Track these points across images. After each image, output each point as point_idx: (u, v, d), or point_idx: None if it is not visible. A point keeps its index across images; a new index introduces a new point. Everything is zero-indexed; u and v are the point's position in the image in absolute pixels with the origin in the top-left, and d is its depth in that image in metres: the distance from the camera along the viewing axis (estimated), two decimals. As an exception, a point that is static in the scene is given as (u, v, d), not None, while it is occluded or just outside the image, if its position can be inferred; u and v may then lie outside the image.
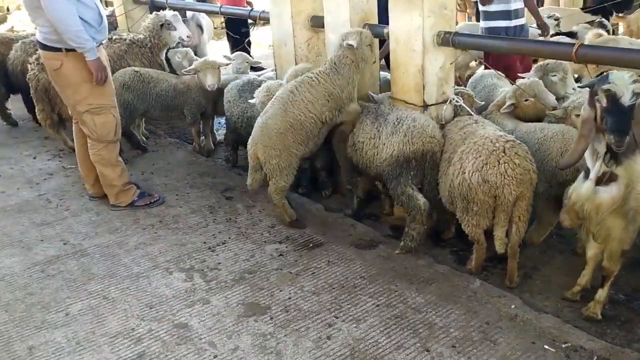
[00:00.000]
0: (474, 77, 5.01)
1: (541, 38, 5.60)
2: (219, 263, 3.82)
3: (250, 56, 6.68)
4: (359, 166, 4.08)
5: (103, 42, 4.36)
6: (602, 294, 3.08)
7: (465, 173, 3.29)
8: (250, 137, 4.10)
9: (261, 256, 3.89)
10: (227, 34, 8.72)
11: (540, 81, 4.01)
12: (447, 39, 3.74)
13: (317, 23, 4.80)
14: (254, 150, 4.05)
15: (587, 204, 2.94)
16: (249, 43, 8.16)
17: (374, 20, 4.42)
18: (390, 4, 3.88)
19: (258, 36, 7.55)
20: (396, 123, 3.74)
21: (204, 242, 4.09)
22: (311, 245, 4.01)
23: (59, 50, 4.05)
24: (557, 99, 4.10)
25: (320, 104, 3.93)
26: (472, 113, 3.89)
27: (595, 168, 2.93)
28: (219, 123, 6.81)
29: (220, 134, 6.54)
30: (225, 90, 5.19)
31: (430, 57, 3.83)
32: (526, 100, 3.94)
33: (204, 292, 3.51)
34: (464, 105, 3.95)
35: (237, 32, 7.89)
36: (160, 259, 3.90)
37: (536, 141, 3.61)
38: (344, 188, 4.53)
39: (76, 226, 4.39)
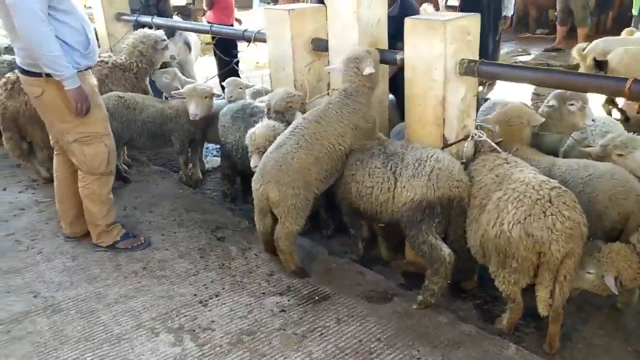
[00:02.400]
0: (485, 106, 4.62)
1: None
2: (213, 321, 3.34)
3: (239, 77, 6.24)
4: (367, 213, 3.63)
5: (91, 67, 3.90)
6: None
7: (504, 224, 2.86)
8: (257, 174, 3.63)
9: (260, 312, 3.41)
10: (215, 52, 8.22)
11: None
12: (471, 68, 3.34)
13: (319, 46, 4.38)
14: (263, 190, 3.57)
15: None
16: (237, 63, 7.65)
17: (384, 44, 4.02)
18: (406, 29, 3.47)
19: (242, 53, 7.09)
20: (417, 164, 3.32)
21: (195, 295, 3.60)
22: (316, 298, 3.54)
23: (39, 75, 3.57)
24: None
25: (350, 136, 3.59)
26: (499, 150, 3.47)
27: None
28: (207, 149, 6.36)
29: (209, 160, 6.10)
30: (220, 114, 4.74)
31: (452, 88, 3.42)
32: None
33: (195, 359, 3.02)
34: (488, 140, 3.54)
35: (227, 53, 7.28)
36: (144, 315, 3.40)
37: (580, 181, 3.22)
38: (348, 232, 4.06)
39: (49, 274, 3.87)
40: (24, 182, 5.42)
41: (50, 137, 4.16)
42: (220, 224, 4.53)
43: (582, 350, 3.06)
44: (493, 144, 3.51)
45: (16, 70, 4.91)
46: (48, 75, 3.52)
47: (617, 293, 2.91)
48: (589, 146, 3.65)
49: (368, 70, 3.51)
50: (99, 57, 5.49)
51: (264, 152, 3.78)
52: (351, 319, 3.32)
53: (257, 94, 5.44)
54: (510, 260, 2.88)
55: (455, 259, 3.29)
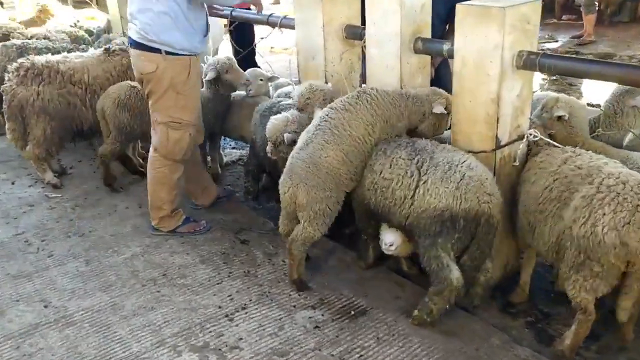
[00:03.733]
0: None
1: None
2: (240, 339, 3.04)
3: (258, 66, 5.90)
4: (378, 210, 3.27)
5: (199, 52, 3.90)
6: None
7: (597, 226, 2.55)
8: (285, 176, 3.32)
9: (292, 328, 3.11)
10: (231, 38, 7.78)
11: None
12: (531, 61, 2.97)
13: (352, 34, 4.03)
14: (292, 193, 3.26)
15: None
16: (254, 52, 7.03)
17: (427, 33, 3.65)
18: (458, 16, 3.10)
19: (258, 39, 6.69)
20: (447, 168, 2.97)
21: (219, 307, 3.30)
22: (352, 312, 3.23)
23: (157, 51, 3.65)
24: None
25: (379, 128, 3.31)
26: (560, 146, 3.12)
27: None
28: (224, 140, 6.02)
29: (227, 153, 5.78)
30: (255, 111, 4.42)
31: (508, 83, 3.06)
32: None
33: (224, 385, 2.74)
34: (543, 137, 3.19)
35: (244, 41, 6.63)
36: (165, 331, 3.11)
37: None
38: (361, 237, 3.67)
39: (60, 280, 3.58)
40: (34, 175, 5.11)
41: None
42: (243, 226, 4.23)
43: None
44: (553, 142, 3.15)
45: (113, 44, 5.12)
46: (167, 53, 3.62)
47: None
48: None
49: (438, 109, 3.38)
50: (118, 45, 5.20)
51: (274, 142, 3.64)
52: (392, 339, 3.01)
53: (280, 86, 5.11)
54: (594, 264, 2.58)
55: (464, 286, 3.02)
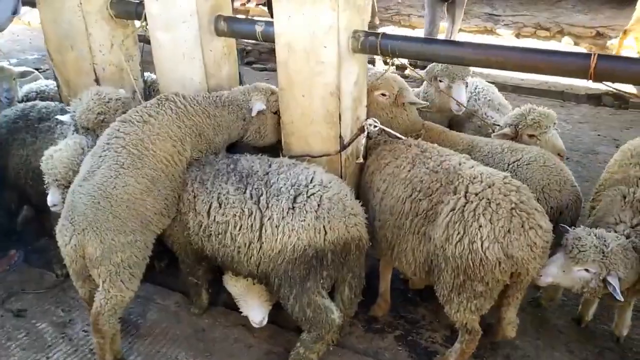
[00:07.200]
0: None
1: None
2: None
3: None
4: (217, 259, 2.58)
5: None
6: None
7: (475, 242, 2.16)
8: (63, 220, 2.34)
9: None
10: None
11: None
12: (371, 43, 2.47)
13: (123, 12, 3.08)
14: (77, 243, 2.30)
15: None
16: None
17: (228, 9, 2.90)
18: (276, -10, 2.43)
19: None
20: (293, 193, 2.35)
21: None
22: (201, 384, 2.50)
23: None
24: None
25: (189, 143, 2.56)
26: (400, 136, 2.73)
27: None
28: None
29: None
30: None
31: (345, 71, 2.52)
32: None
33: None
34: (384, 128, 2.77)
35: None
36: None
37: (506, 167, 2.67)
38: (188, 281, 2.89)
39: None
40: None
41: None
42: (11, 288, 3.06)
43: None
44: (394, 132, 2.75)
45: None
46: None
47: (622, 300, 2.26)
48: (497, 125, 3.12)
49: (257, 107, 2.71)
50: None
51: (67, 185, 2.54)
52: (262, 411, 2.38)
53: (26, 74, 3.85)
54: (476, 284, 2.24)
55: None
